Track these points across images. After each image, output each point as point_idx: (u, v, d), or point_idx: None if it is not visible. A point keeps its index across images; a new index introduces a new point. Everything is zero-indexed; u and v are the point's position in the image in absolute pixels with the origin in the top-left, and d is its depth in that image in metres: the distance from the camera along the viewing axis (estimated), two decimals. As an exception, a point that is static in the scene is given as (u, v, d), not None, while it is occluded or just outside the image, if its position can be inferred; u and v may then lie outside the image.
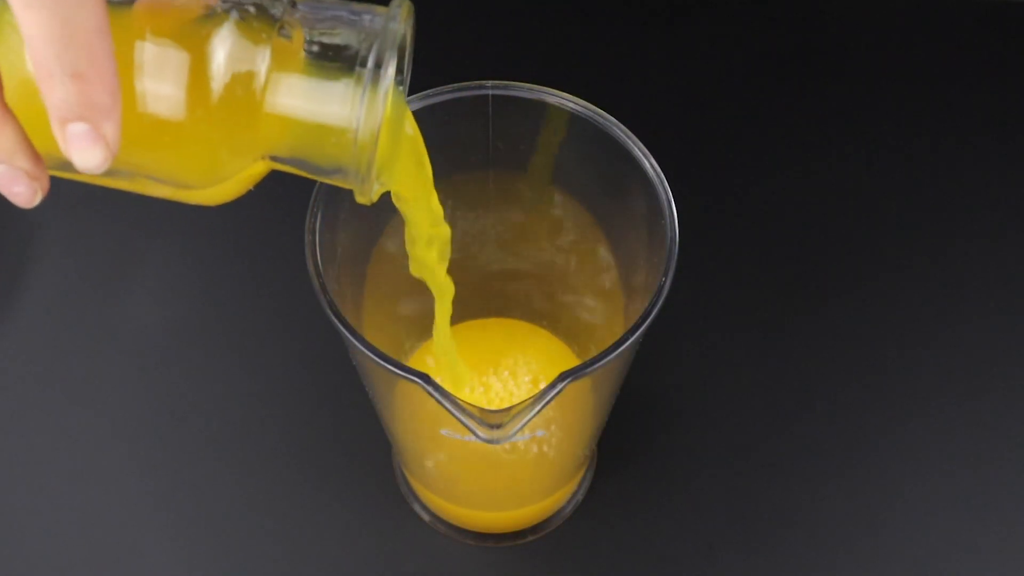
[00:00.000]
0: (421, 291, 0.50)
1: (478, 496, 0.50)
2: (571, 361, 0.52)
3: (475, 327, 0.53)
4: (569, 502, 0.53)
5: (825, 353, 0.57)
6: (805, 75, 0.65)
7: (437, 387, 0.37)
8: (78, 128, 0.30)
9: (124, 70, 0.31)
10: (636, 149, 0.41)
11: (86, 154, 0.31)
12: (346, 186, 0.35)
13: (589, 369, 0.38)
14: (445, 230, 0.41)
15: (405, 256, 0.47)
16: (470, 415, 0.38)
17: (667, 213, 0.40)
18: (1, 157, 0.31)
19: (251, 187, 0.36)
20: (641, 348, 0.42)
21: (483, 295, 0.52)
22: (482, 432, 0.38)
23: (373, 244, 0.45)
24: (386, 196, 0.39)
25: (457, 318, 0.49)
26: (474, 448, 0.45)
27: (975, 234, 0.60)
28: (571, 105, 0.42)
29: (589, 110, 0.42)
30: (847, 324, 0.58)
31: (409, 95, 0.42)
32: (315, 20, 0.33)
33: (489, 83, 0.43)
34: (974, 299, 0.58)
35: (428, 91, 0.42)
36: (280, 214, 0.60)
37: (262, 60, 0.32)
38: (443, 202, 0.48)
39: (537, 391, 0.50)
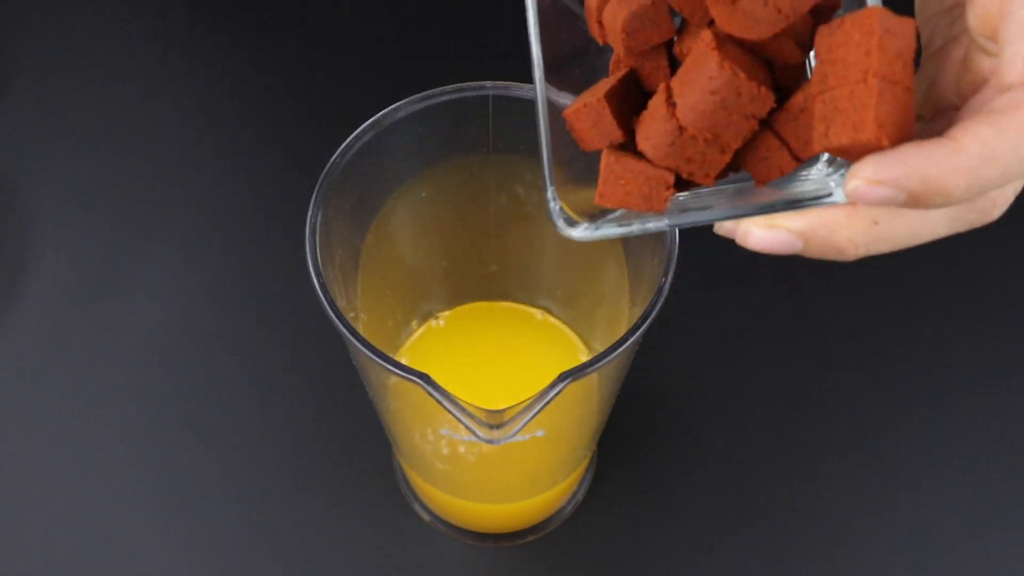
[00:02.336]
0: (407, 288, 0.50)
1: (478, 490, 0.50)
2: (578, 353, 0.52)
3: (483, 311, 0.53)
4: (569, 502, 0.53)
5: (825, 353, 0.57)
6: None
7: (437, 387, 0.37)
8: None
9: None
10: None
11: None
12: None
13: (589, 369, 0.38)
14: None
15: (390, 254, 0.48)
16: (470, 415, 0.38)
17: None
18: None
19: None
20: (641, 348, 0.42)
21: (487, 287, 0.52)
22: (482, 432, 0.38)
23: (362, 244, 0.45)
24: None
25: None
26: (474, 446, 0.45)
27: (976, 233, 0.60)
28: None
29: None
30: (848, 323, 0.58)
31: (409, 95, 0.42)
32: None
33: (489, 83, 0.43)
34: (976, 297, 0.58)
35: (428, 91, 0.42)
36: (280, 214, 0.60)
37: None
38: (444, 202, 0.48)
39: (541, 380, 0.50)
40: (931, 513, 0.53)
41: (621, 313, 0.47)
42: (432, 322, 0.53)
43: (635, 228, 0.33)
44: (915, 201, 0.28)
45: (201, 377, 0.56)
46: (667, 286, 0.39)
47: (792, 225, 0.30)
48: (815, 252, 0.31)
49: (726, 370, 0.56)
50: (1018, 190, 0.32)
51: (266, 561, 0.52)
